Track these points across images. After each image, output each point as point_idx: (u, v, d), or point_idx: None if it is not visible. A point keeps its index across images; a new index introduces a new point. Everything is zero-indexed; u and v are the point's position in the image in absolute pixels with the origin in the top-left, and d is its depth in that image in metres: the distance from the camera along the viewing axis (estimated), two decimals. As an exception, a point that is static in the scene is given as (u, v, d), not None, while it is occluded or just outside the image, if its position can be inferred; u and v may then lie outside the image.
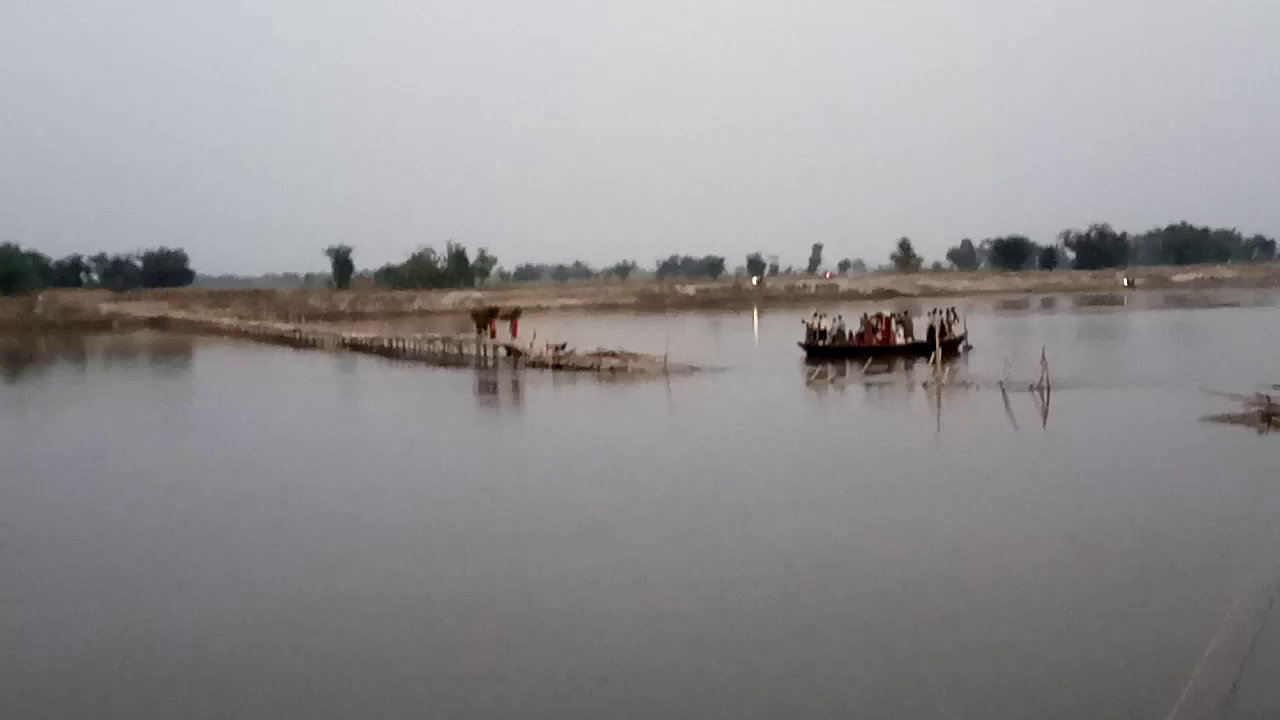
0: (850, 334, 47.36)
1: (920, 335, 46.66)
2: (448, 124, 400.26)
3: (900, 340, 46.67)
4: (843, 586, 13.68)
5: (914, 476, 20.79)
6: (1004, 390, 32.01)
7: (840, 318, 49.26)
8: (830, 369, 40.60)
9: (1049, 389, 31.60)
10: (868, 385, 37.01)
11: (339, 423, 33.43)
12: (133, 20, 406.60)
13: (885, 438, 26.76)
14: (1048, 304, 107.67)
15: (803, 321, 49.02)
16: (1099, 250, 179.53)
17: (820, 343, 46.72)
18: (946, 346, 45.13)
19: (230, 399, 40.58)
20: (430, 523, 17.98)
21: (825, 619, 12.37)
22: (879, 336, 46.73)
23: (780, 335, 51.52)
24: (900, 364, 42.70)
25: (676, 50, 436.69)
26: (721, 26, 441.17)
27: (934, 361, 36.55)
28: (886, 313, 49.77)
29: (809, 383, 37.63)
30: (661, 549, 15.58)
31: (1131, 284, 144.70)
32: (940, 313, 47.91)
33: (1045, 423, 28.01)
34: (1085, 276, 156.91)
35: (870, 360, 42.11)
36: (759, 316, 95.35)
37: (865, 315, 49.41)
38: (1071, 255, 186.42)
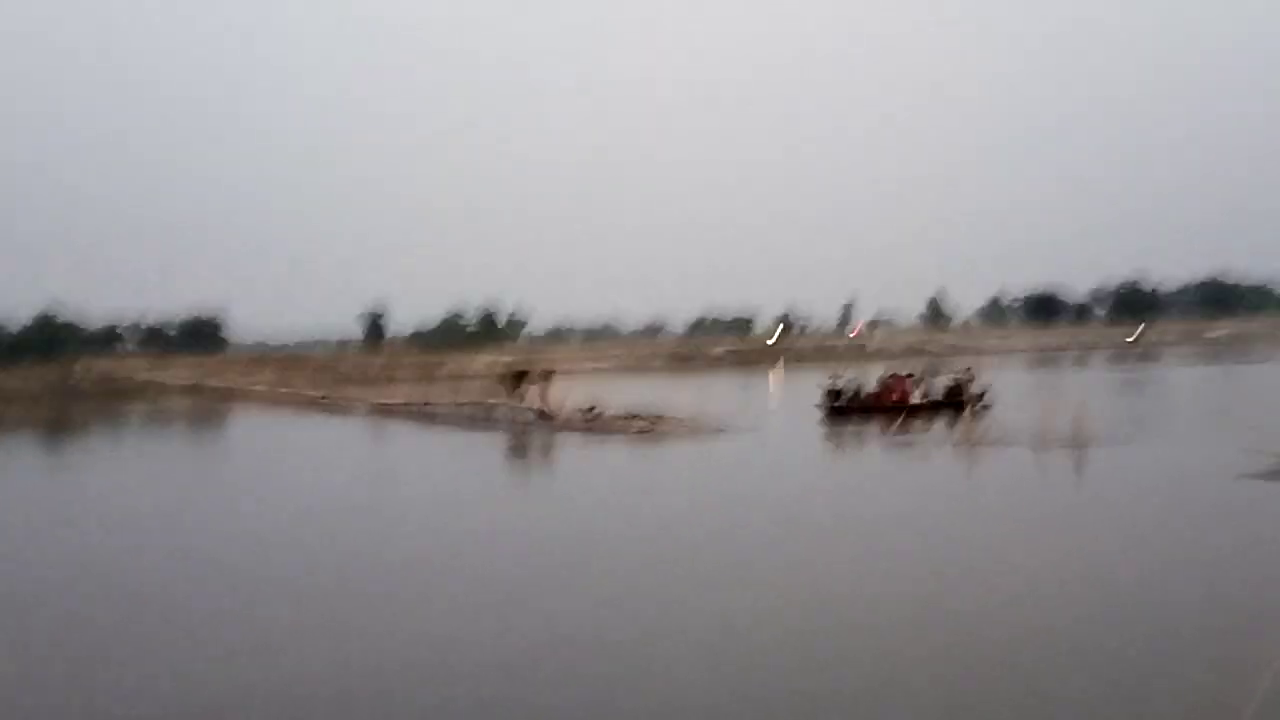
0: (865, 393, 47.41)
1: (938, 393, 46.88)
2: (476, 186, 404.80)
3: (916, 399, 46.62)
4: (898, 638, 13.61)
5: (949, 530, 20.71)
6: (1035, 448, 31.82)
7: (856, 378, 49.52)
8: (850, 428, 40.74)
9: (1082, 446, 31.43)
10: (895, 444, 36.89)
11: (370, 486, 33.64)
12: (171, 85, 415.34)
13: (919, 493, 26.66)
14: (1080, 360, 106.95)
15: (818, 386, 49.34)
16: (1131, 305, 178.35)
17: (836, 403, 46.84)
18: (962, 404, 45.26)
19: (265, 463, 40.90)
20: (502, 581, 18.04)
21: (890, 671, 12.35)
22: (895, 395, 46.77)
23: (806, 395, 51.45)
24: (918, 423, 42.55)
25: (706, 110, 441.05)
26: (750, 83, 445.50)
27: (964, 419, 36.57)
28: (903, 372, 49.94)
29: (834, 442, 37.58)
30: (722, 602, 15.57)
31: (1136, 340, 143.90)
32: (957, 371, 48.27)
33: (1078, 479, 27.84)
34: (1118, 332, 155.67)
35: (903, 416, 42.13)
36: (783, 376, 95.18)
37: (882, 374, 49.59)
38: (1103, 311, 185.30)
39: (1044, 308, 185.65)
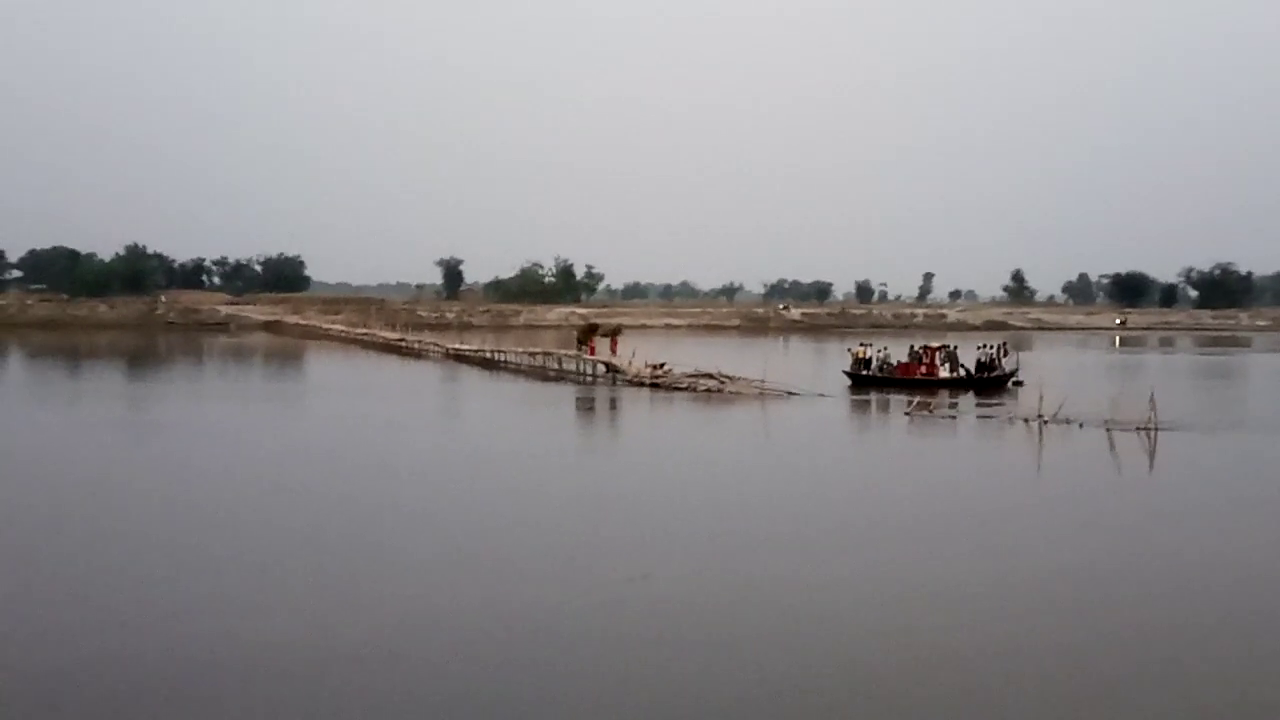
0: (892, 364, 47.03)
1: (970, 368, 46.55)
2: (560, 143, 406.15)
3: (944, 374, 46.17)
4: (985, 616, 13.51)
5: (1012, 511, 20.51)
6: (1109, 429, 31.14)
7: (885, 348, 49.14)
8: (873, 397, 41.34)
9: (1156, 430, 30.69)
10: (966, 418, 36.36)
11: (444, 433, 34.10)
12: (256, 43, 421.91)
13: (986, 471, 26.40)
14: (1166, 342, 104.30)
15: (848, 350, 49.26)
16: (1222, 289, 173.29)
17: (864, 372, 46.61)
18: (993, 381, 44.76)
19: (341, 404, 41.57)
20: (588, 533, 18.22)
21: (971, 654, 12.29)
22: (922, 369, 46.33)
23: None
24: (945, 397, 42.08)
25: (795, 82, 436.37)
26: (836, 59, 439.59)
27: (1016, 395, 36.13)
28: (934, 345, 49.55)
29: (906, 413, 37.05)
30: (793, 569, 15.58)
31: (1123, 323, 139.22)
32: (990, 346, 47.64)
33: (1151, 464, 27.25)
34: (1206, 316, 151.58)
35: (928, 390, 42.01)
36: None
37: (912, 346, 49.50)
38: (1193, 294, 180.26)
39: (1131, 288, 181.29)
